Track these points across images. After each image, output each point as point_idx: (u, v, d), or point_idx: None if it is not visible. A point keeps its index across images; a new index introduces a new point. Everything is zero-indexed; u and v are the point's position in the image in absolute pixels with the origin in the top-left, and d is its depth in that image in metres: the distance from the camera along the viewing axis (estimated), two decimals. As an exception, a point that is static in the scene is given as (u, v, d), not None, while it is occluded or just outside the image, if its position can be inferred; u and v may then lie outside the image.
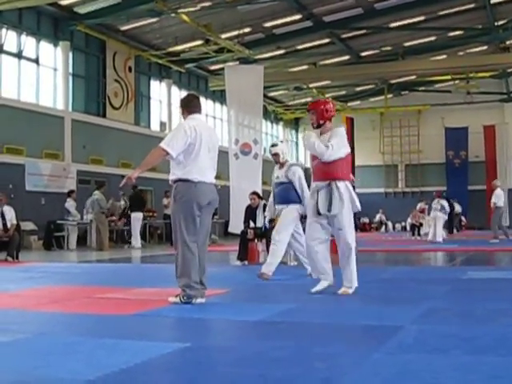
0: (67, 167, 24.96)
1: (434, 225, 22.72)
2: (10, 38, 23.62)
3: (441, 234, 22.80)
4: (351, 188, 7.78)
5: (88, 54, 27.54)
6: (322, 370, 3.92)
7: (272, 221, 11.08)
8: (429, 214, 25.06)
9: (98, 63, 27.95)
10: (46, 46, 25.36)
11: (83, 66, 27.28)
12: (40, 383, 3.66)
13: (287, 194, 10.01)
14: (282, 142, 13.11)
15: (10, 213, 15.39)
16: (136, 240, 22.25)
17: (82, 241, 22.69)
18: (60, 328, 5.69)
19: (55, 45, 25.63)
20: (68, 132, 25.27)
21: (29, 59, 24.38)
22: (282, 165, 10.28)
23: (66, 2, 24.02)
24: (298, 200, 9.94)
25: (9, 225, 15.21)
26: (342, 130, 7.91)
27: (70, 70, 26.18)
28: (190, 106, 7.36)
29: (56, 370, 3.95)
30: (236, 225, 19.06)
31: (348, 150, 7.82)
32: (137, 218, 22.32)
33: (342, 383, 3.63)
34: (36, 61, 24.76)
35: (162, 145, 6.99)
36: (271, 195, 10.68)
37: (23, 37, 24.10)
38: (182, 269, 6.97)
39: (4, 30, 23.23)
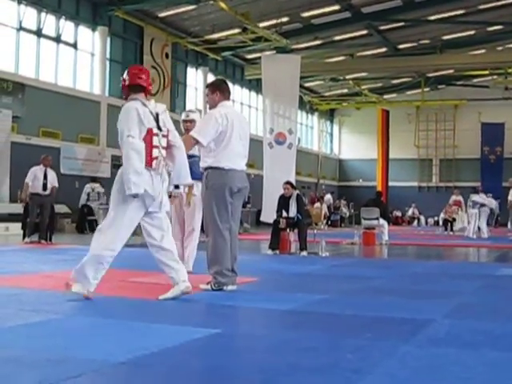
0: (102, 152, 25.14)
1: (474, 221, 22.56)
2: (49, 23, 23.80)
3: (486, 230, 22.64)
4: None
5: (125, 39, 27.69)
6: (352, 360, 3.92)
7: None
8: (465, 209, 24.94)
9: (136, 49, 28.08)
10: (84, 31, 25.56)
11: (120, 51, 27.44)
12: (72, 363, 3.69)
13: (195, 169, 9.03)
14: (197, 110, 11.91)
15: (52, 175, 15.46)
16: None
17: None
18: (92, 310, 5.73)
19: (93, 30, 25.81)
20: (104, 117, 25.45)
21: (67, 43, 24.59)
22: None
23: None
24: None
25: (49, 186, 15.22)
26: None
27: (108, 55, 26.38)
28: (222, 89, 7.30)
29: (88, 351, 3.98)
30: (268, 214, 19.07)
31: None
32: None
33: (372, 374, 3.62)
34: (74, 45, 24.96)
35: (193, 133, 7.00)
36: None
37: (62, 21, 24.30)
38: (213, 256, 6.98)
39: (43, 15, 23.41)
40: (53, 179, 15.37)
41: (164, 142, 6.33)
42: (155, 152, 6.16)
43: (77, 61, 24.75)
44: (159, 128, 6.27)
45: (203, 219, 7.37)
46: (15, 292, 6.55)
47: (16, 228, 17.44)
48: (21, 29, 22.60)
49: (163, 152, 6.30)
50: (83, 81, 25.04)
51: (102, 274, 6.17)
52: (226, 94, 7.29)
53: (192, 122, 9.01)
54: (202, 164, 7.17)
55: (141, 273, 8.83)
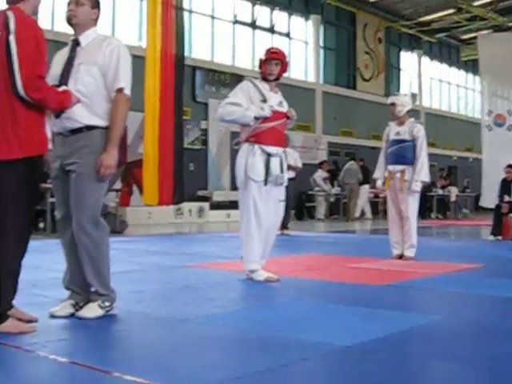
0: (318, 139, 25.42)
1: None
2: (263, 14, 24.41)
3: None
4: None
5: (338, 26, 27.78)
6: None
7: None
8: None
9: (348, 36, 28.11)
10: (297, 20, 25.92)
11: (333, 38, 27.58)
12: (300, 347, 3.76)
13: (407, 153, 8.77)
14: (405, 94, 11.26)
15: (293, 155, 13.86)
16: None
17: (335, 211, 22.99)
18: (316, 294, 5.82)
19: (306, 19, 26.12)
20: (319, 104, 25.72)
21: (281, 33, 25.07)
22: (401, 121, 9.01)
23: (317, -25, 24.29)
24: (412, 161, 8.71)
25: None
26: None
27: (321, 43, 26.61)
28: None
29: (314, 335, 4.03)
30: (488, 199, 18.42)
31: None
32: (364, 189, 22.02)
33: None
34: (287, 35, 25.40)
35: None
36: (381, 154, 9.21)
37: (275, 12, 24.81)
38: None
39: (257, 7, 24.02)
40: (295, 159, 14.03)
41: None
42: None
43: (291, 50, 25.15)
44: None
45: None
46: (238, 277, 6.73)
47: (237, 215, 18.01)
48: (236, 22, 23.35)
49: None
50: (297, 69, 25.41)
51: None
52: None
53: (394, 105, 8.96)
54: None
55: (358, 258, 8.82)
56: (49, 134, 4.28)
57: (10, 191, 3.99)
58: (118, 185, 16.40)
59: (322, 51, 26.67)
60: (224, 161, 21.43)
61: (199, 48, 22.08)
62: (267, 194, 6.44)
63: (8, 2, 4.18)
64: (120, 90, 4.49)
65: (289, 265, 8.02)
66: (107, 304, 4.53)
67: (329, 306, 5.17)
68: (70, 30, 4.72)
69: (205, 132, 21.37)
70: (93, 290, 4.54)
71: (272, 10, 24.71)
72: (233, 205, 19.41)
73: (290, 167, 12.85)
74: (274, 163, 6.43)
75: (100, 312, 4.49)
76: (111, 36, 4.99)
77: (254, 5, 23.94)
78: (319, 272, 7.35)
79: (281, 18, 25.17)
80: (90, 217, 4.44)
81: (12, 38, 3.94)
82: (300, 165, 13.98)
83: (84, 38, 4.61)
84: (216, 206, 19.99)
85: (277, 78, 6.71)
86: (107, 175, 4.45)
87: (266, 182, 6.37)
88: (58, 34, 14.37)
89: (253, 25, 23.96)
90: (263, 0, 24.12)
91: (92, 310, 4.48)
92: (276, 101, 6.56)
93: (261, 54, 6.89)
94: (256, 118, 6.35)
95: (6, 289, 4.00)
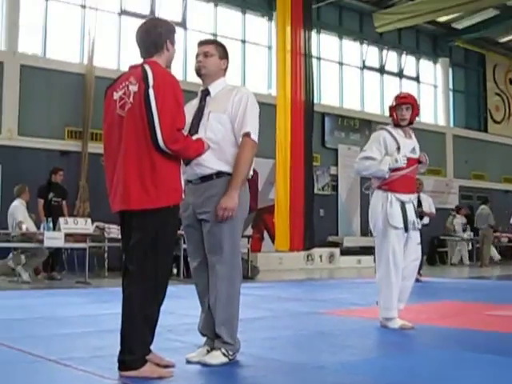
0: (449, 183, 25.01)
1: None
2: (391, 59, 24.45)
3: None
4: None
5: (467, 68, 27.45)
6: None
7: None
8: None
9: (478, 77, 27.70)
10: (425, 64, 25.81)
11: (463, 81, 27.27)
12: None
13: None
14: None
15: (427, 201, 13.66)
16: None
17: (468, 256, 22.43)
18: (452, 343, 5.71)
19: (434, 62, 25.98)
20: (450, 147, 25.34)
21: (409, 77, 25.02)
22: None
23: (443, 18, 24.06)
24: None
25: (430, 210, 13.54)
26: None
27: (450, 86, 26.35)
28: None
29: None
30: None
31: None
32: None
33: None
34: (416, 79, 25.31)
35: None
36: None
37: (403, 56, 24.81)
38: None
39: (385, 52, 24.10)
40: (429, 204, 13.65)
41: None
42: None
43: (420, 94, 24.98)
44: None
45: None
46: (372, 324, 6.70)
47: (368, 261, 17.91)
48: (364, 67, 23.47)
49: None
50: (427, 113, 25.18)
51: None
52: None
53: None
54: None
55: (495, 306, 8.59)
56: (183, 183, 4.41)
57: (149, 239, 4.12)
58: (249, 231, 16.65)
59: (451, 94, 26.39)
60: (354, 206, 21.41)
61: (328, 94, 22.30)
62: (406, 240, 6.41)
63: (143, 56, 4.35)
64: (247, 135, 4.55)
65: (423, 312, 7.90)
66: (231, 353, 4.54)
67: (465, 354, 5.07)
68: (201, 80, 4.87)
69: (335, 178, 21.45)
70: (219, 337, 4.55)
71: (400, 54, 24.75)
72: (363, 250, 19.37)
73: (424, 213, 12.81)
74: (410, 209, 6.41)
75: (224, 359, 4.51)
76: (240, 85, 5.12)
77: (381, 50, 24.05)
78: (455, 319, 7.21)
79: (409, 62, 25.15)
80: (226, 265, 4.51)
81: (151, 92, 4.06)
82: (434, 210, 13.77)
83: (213, 88, 4.75)
84: (346, 251, 19.94)
85: (410, 123, 6.68)
86: (225, 218, 4.44)
87: (406, 228, 6.35)
88: (191, 84, 14.84)
89: (381, 70, 24.05)
90: (391, 45, 24.18)
91: (216, 357, 4.50)
92: (409, 148, 6.54)
93: (390, 99, 6.92)
94: (390, 170, 6.36)
95: (144, 334, 4.11)
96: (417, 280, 12.56)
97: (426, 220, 13.30)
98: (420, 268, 13.21)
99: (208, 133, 4.56)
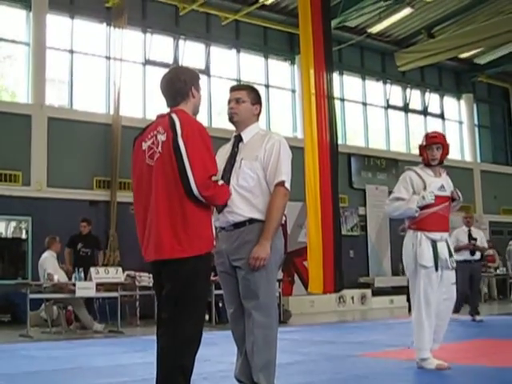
0: (479, 219, 24.80)
1: None
2: (415, 97, 24.50)
3: None
4: None
5: (491, 103, 27.46)
6: None
7: None
8: None
9: (503, 111, 27.68)
10: (449, 101, 25.83)
11: (487, 115, 27.25)
12: None
13: None
14: None
15: (480, 235, 13.50)
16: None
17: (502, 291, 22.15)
18: (489, 382, 5.64)
19: (458, 98, 25.99)
20: (478, 183, 25.20)
21: (434, 115, 25.03)
22: None
23: (465, 54, 24.12)
24: None
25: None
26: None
27: (475, 122, 26.32)
28: None
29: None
30: None
31: None
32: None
33: None
34: (441, 116, 25.31)
35: None
36: None
37: (427, 94, 24.86)
38: None
39: (408, 90, 24.16)
40: (481, 238, 13.37)
41: None
42: None
43: (445, 130, 24.94)
44: None
45: None
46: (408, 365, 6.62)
47: (400, 301, 17.74)
48: (388, 107, 23.52)
49: None
50: (454, 149, 25.05)
51: None
52: None
53: None
54: None
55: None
56: (214, 231, 4.36)
57: (181, 287, 4.10)
58: (280, 274, 16.59)
59: (476, 129, 26.34)
60: (384, 246, 21.30)
61: (353, 134, 22.37)
62: (439, 279, 6.36)
63: (170, 105, 4.36)
64: (281, 184, 4.54)
65: (458, 351, 7.81)
66: None
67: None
68: (228, 126, 4.88)
69: (363, 218, 21.38)
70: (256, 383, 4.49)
71: (423, 92, 24.80)
72: (395, 290, 19.18)
73: (477, 248, 12.92)
74: (441, 248, 6.37)
75: None
76: (272, 131, 5.12)
77: (405, 88, 24.11)
78: (491, 358, 7.12)
79: (433, 100, 25.19)
80: (262, 311, 4.48)
81: (180, 141, 4.06)
82: (486, 245, 13.75)
83: (246, 134, 4.75)
84: (378, 292, 19.76)
85: (440, 162, 6.67)
86: (258, 267, 4.42)
87: (436, 267, 6.30)
88: (216, 129, 14.97)
89: (405, 108, 24.08)
90: (414, 83, 24.25)
91: None
92: (437, 185, 6.51)
93: (415, 137, 6.93)
94: (419, 208, 6.34)
95: (176, 384, 4.04)
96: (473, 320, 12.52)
97: (477, 255, 13.20)
98: (476, 306, 13.06)
99: (240, 180, 4.57)
